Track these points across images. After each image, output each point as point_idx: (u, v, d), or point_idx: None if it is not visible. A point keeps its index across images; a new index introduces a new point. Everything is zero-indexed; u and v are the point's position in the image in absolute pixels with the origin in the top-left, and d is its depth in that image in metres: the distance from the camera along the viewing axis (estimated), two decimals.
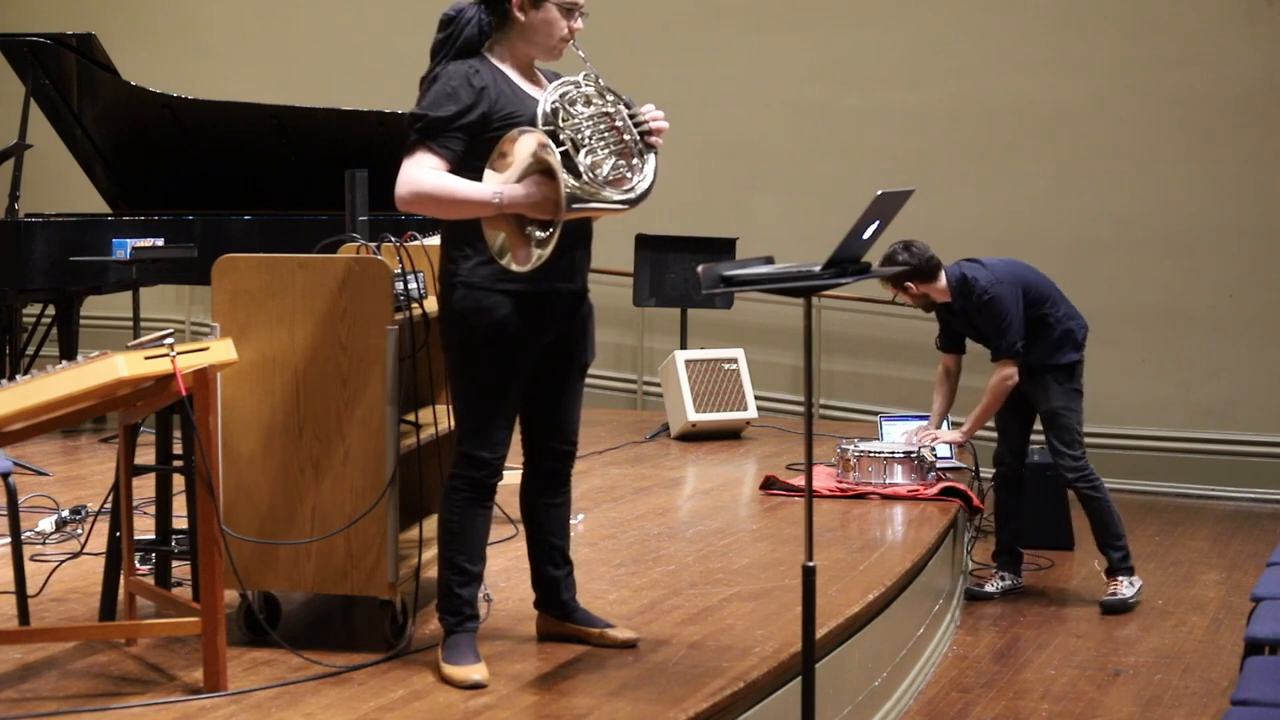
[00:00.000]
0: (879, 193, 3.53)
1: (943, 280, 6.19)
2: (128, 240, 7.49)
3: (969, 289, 6.15)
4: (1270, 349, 8.75)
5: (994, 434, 6.45)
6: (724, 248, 8.45)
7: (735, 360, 8.14)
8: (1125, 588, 6.24)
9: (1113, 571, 6.28)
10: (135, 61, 9.44)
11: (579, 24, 3.88)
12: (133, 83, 8.10)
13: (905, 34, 9.48)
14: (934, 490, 6.31)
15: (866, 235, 3.58)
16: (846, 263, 3.59)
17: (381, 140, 7.91)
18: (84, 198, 9.28)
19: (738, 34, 9.84)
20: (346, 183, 4.84)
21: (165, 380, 3.67)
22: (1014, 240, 9.06)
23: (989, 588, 6.37)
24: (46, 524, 5.46)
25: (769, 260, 3.74)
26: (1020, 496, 6.43)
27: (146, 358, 3.60)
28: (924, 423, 6.67)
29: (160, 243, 7.62)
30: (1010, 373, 6.11)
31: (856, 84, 9.55)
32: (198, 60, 11.13)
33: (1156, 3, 8.95)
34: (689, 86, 9.42)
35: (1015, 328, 6.10)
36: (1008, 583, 6.42)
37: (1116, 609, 6.19)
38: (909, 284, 6.15)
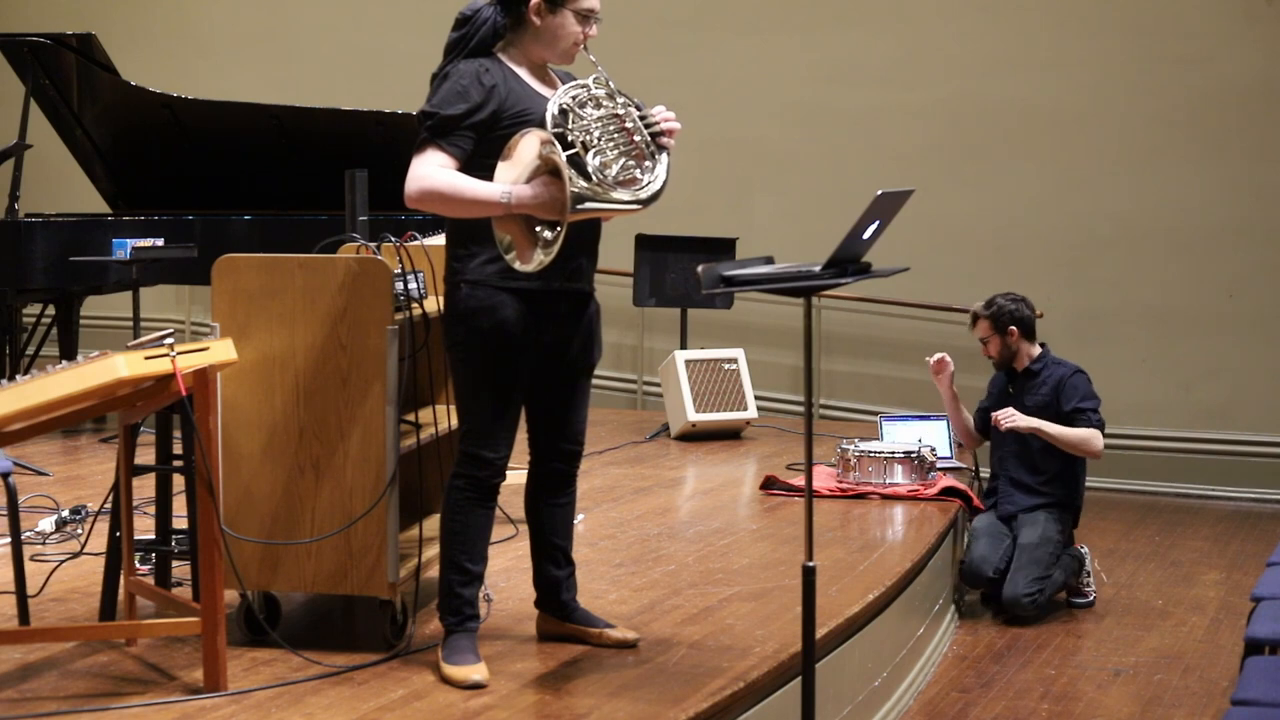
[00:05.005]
0: (879, 193, 3.53)
1: (1036, 346, 6.34)
2: (128, 240, 7.48)
3: (1058, 361, 6.29)
4: (1270, 349, 8.74)
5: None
6: (724, 248, 8.45)
7: (735, 360, 8.13)
8: None
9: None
10: (135, 61, 9.44)
11: (593, 30, 3.87)
12: (132, 83, 8.10)
13: (905, 34, 9.47)
14: (934, 490, 6.32)
15: (866, 235, 3.57)
16: (846, 263, 3.59)
17: (381, 140, 7.92)
18: (84, 198, 9.28)
19: (738, 34, 9.84)
20: (346, 183, 4.83)
21: (165, 380, 3.67)
22: (1014, 240, 9.09)
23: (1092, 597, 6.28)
24: (46, 524, 5.46)
25: (769, 260, 3.74)
26: None
27: (146, 358, 3.60)
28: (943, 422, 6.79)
29: (160, 243, 7.61)
30: (1101, 445, 6.18)
31: (856, 84, 9.54)
32: (198, 60, 11.13)
33: (1156, 3, 8.94)
34: (689, 86, 9.41)
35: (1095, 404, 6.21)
36: None
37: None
38: (1012, 329, 6.24)
